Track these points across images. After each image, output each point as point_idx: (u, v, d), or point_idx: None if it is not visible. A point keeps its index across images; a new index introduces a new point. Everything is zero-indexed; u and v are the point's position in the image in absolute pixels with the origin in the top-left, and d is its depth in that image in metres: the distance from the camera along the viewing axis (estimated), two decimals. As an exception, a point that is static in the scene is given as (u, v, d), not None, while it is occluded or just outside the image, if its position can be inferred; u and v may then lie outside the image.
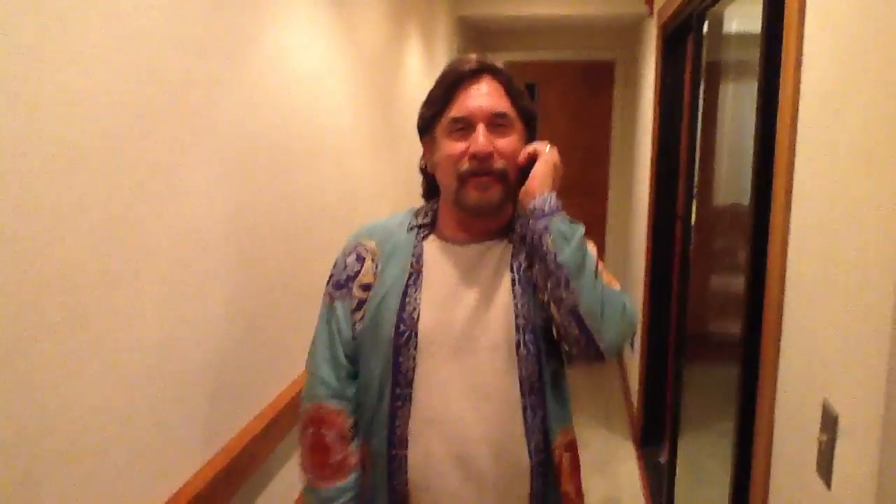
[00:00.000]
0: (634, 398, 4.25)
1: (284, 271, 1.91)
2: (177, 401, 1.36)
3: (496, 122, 1.32)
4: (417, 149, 1.47)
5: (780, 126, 1.47)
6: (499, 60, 1.39)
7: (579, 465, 1.43)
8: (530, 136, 1.40)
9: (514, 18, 5.19)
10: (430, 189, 1.47)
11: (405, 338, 1.32)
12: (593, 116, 6.32)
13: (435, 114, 1.38)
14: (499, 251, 1.38)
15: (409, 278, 1.36)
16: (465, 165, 1.31)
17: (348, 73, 2.47)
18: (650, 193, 3.92)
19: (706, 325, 3.04)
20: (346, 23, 2.43)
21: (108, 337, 1.12)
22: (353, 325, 1.40)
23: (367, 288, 1.40)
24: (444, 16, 4.56)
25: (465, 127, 1.33)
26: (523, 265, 1.36)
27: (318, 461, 1.40)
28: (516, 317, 1.32)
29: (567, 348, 1.30)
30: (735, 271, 2.94)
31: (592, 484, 3.68)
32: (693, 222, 3.03)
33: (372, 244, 1.43)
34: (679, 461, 3.03)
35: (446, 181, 1.37)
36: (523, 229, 1.33)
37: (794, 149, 1.40)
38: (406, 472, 1.32)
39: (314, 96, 2.10)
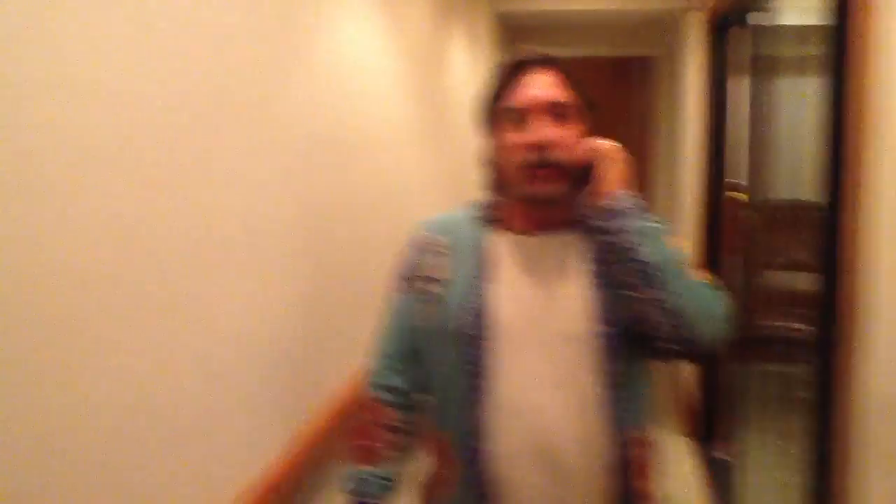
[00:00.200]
0: (687, 392, 4.20)
1: (344, 261, 1.93)
2: (261, 388, 1.41)
3: (554, 112, 1.31)
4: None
5: (853, 118, 1.43)
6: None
7: (654, 463, 1.41)
8: (594, 128, 1.37)
9: (551, 13, 5.16)
10: (495, 182, 1.45)
11: (477, 329, 1.32)
12: (631, 112, 6.26)
13: (493, 105, 1.38)
14: (568, 242, 1.37)
15: (478, 270, 1.36)
16: (523, 156, 1.30)
17: (396, 66, 2.48)
18: (697, 189, 3.87)
19: (758, 321, 3.00)
20: (394, 17, 2.43)
21: (198, 327, 1.15)
22: (421, 317, 1.41)
23: (434, 281, 1.40)
24: (484, 11, 4.56)
25: (522, 117, 1.32)
26: (598, 258, 1.34)
27: (358, 443, 1.47)
28: (594, 309, 1.31)
29: (662, 346, 1.28)
30: (792, 267, 2.91)
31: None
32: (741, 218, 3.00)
33: (438, 238, 1.43)
34: (741, 458, 2.99)
35: (506, 173, 1.36)
36: (599, 228, 1.31)
37: (869, 141, 1.37)
38: (486, 462, 1.32)
39: (366, 90, 2.11)
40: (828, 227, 1.58)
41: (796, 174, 2.84)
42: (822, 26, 1.70)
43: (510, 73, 1.35)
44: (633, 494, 1.35)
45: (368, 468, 1.45)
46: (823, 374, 1.63)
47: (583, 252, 1.36)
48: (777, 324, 2.99)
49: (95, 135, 0.92)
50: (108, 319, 0.95)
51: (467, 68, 3.89)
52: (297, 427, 1.59)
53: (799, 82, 2.89)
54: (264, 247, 1.41)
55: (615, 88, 6.33)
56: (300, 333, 1.60)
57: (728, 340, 1.29)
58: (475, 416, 1.32)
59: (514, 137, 1.32)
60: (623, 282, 1.27)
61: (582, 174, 1.32)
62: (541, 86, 1.32)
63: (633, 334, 1.30)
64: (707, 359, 1.28)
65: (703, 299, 1.25)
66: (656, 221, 1.28)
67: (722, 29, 3.46)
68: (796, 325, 2.53)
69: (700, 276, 1.28)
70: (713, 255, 3.68)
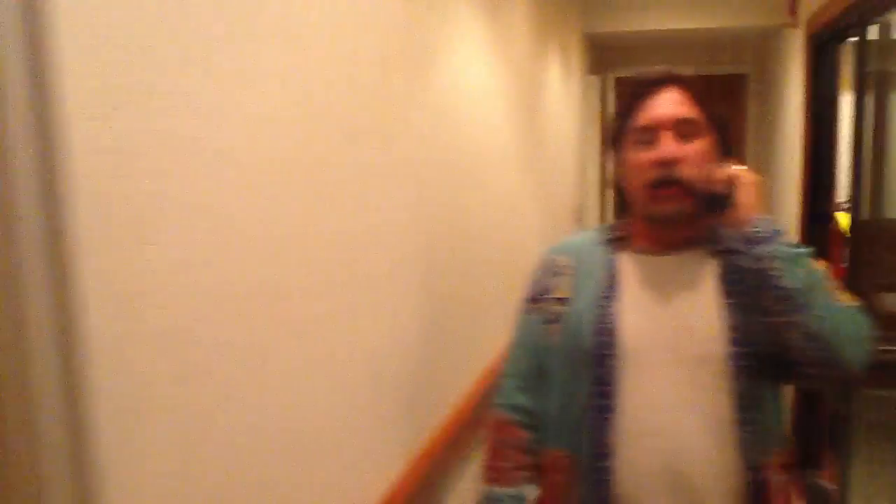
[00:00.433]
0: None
1: (460, 282, 1.97)
2: (388, 405, 1.45)
3: (681, 130, 1.30)
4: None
5: None
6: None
7: (791, 490, 1.38)
8: (723, 144, 1.36)
9: (639, 34, 5.14)
10: (623, 203, 1.46)
11: (605, 349, 1.32)
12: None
13: (621, 126, 1.38)
14: (698, 261, 1.36)
15: (605, 290, 1.36)
16: (652, 174, 1.30)
17: (502, 91, 2.52)
18: (800, 207, 3.79)
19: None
20: (501, 43, 2.48)
21: (332, 343, 1.19)
22: (547, 338, 1.42)
23: (561, 302, 1.41)
24: (575, 33, 4.58)
25: (649, 136, 1.32)
26: (733, 277, 1.32)
27: (491, 464, 1.48)
28: (729, 329, 1.29)
29: (805, 371, 1.26)
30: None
31: None
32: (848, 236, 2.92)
33: (565, 259, 1.45)
34: (845, 487, 2.89)
35: (634, 192, 1.36)
36: (742, 256, 1.27)
37: None
38: (613, 483, 1.31)
39: (476, 115, 2.16)
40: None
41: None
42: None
43: (636, 92, 1.36)
44: None
45: (503, 489, 1.45)
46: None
47: (711, 271, 1.34)
48: (890, 347, 2.89)
49: (259, 169, 0.99)
50: (267, 339, 1.00)
51: (561, 91, 3.92)
52: (418, 443, 1.63)
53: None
54: (392, 271, 1.47)
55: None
56: (422, 352, 1.64)
57: (869, 363, 1.25)
58: (602, 436, 1.31)
59: (640, 156, 1.32)
60: (767, 308, 1.25)
61: (710, 196, 1.30)
62: (667, 104, 1.32)
63: (769, 357, 1.28)
64: (847, 382, 1.25)
65: (847, 322, 1.22)
66: (798, 245, 1.26)
67: (824, 45, 3.40)
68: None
69: (843, 299, 1.25)
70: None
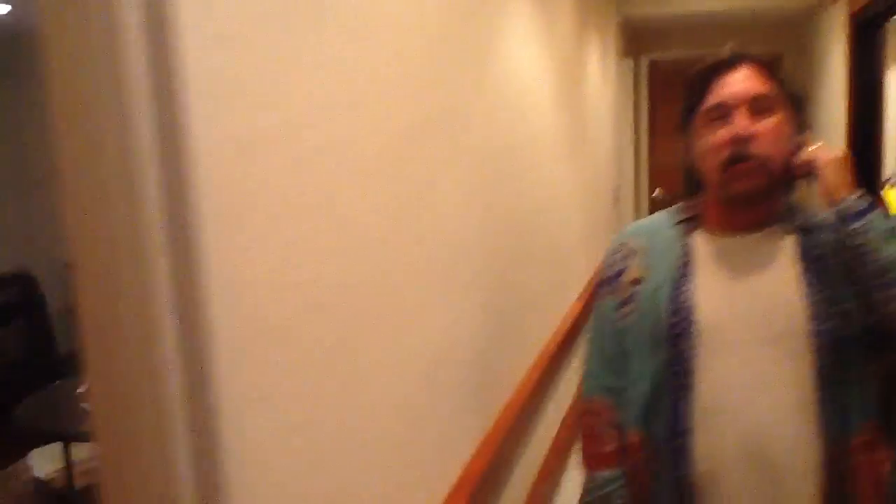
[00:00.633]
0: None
1: (516, 266, 1.99)
2: (458, 391, 1.48)
3: (756, 107, 1.30)
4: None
5: None
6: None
7: (882, 469, 1.33)
8: (799, 119, 1.35)
9: (675, 16, 5.11)
10: (693, 185, 1.46)
11: (681, 329, 1.32)
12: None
13: (693, 106, 1.37)
14: (775, 240, 1.35)
15: (680, 270, 1.37)
16: (726, 152, 1.29)
17: (550, 79, 2.53)
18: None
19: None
20: (547, 25, 2.49)
21: (411, 333, 1.23)
22: (625, 320, 1.43)
23: (636, 283, 1.42)
24: (611, 18, 4.57)
25: (723, 115, 1.31)
26: (813, 253, 1.32)
27: (592, 450, 1.47)
28: (809, 306, 1.28)
29: None
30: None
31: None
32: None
33: (639, 241, 1.46)
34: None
35: (709, 172, 1.35)
36: (839, 233, 1.27)
37: None
38: (692, 462, 1.31)
39: (529, 98, 2.18)
40: None
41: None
42: None
43: (708, 73, 1.36)
44: (853, 500, 1.30)
45: (605, 472, 1.44)
46: None
47: (788, 249, 1.34)
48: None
49: (350, 163, 1.03)
50: (354, 333, 1.04)
51: (598, 75, 3.92)
52: (486, 423, 1.66)
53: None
54: (460, 259, 1.49)
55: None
56: (485, 339, 1.66)
57: None
58: (679, 415, 1.31)
59: (714, 135, 1.32)
60: (865, 283, 1.25)
61: (787, 172, 1.31)
62: (739, 81, 1.32)
63: (854, 334, 1.28)
64: None
65: None
66: (891, 218, 1.25)
67: (868, 22, 3.37)
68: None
69: None
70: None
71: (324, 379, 0.94)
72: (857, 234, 1.22)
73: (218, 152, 0.73)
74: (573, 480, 2.73)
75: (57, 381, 3.20)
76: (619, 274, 1.46)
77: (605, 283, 1.49)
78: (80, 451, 2.94)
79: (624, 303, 1.43)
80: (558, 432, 2.43)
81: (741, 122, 1.29)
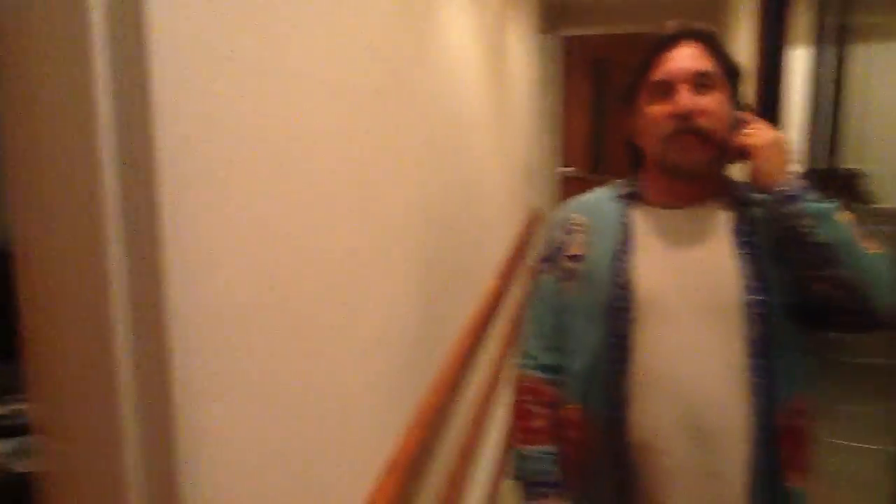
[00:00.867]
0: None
1: (448, 245, 1.97)
2: (397, 368, 1.46)
3: (699, 82, 1.32)
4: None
5: None
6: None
7: (807, 437, 1.38)
8: (738, 96, 1.38)
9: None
10: (635, 159, 1.48)
11: (621, 302, 1.34)
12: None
13: (637, 81, 1.39)
14: (713, 214, 1.38)
15: (620, 245, 1.38)
16: (669, 126, 1.31)
17: (477, 53, 2.50)
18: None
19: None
20: (476, 2, 2.45)
21: (354, 313, 1.18)
22: (566, 295, 1.43)
23: (576, 259, 1.42)
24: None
25: (667, 90, 1.33)
26: (746, 228, 1.35)
27: (523, 426, 1.48)
28: (743, 278, 1.31)
29: (834, 319, 1.29)
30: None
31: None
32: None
33: (579, 217, 1.46)
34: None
35: (651, 146, 1.37)
36: (775, 214, 1.29)
37: None
38: (630, 433, 1.33)
39: (461, 78, 2.15)
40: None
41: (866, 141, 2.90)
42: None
43: (654, 48, 1.36)
44: (783, 465, 1.33)
45: (537, 447, 1.45)
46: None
47: (726, 223, 1.36)
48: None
49: (305, 138, 0.97)
50: (311, 309, 1.00)
51: (518, 51, 3.91)
52: (417, 401, 1.64)
53: (874, 49, 2.95)
54: (399, 235, 1.46)
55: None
56: (420, 314, 1.64)
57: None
58: (621, 387, 1.33)
59: (658, 109, 1.33)
60: (800, 263, 1.27)
61: (726, 149, 1.32)
62: (683, 57, 1.33)
63: (788, 305, 1.31)
64: (874, 328, 1.28)
65: (875, 271, 1.24)
66: (826, 200, 1.27)
67: (778, 3, 3.46)
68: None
69: (870, 247, 1.27)
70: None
71: (281, 364, 0.90)
72: (790, 217, 1.25)
73: (176, 133, 0.67)
74: (490, 456, 2.76)
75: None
76: (561, 250, 1.46)
77: (546, 259, 1.49)
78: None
79: (565, 278, 1.44)
80: (479, 406, 2.43)
81: (684, 98, 1.30)
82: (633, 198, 1.44)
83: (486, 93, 2.73)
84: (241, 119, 0.79)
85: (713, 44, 1.36)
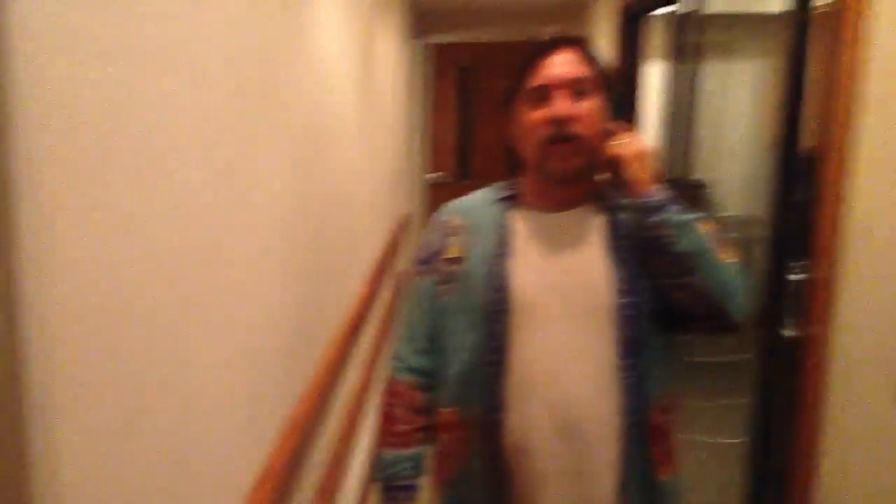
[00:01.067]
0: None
1: (321, 249, 1.94)
2: (269, 375, 1.41)
3: (575, 89, 1.35)
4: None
5: (837, 95, 1.58)
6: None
7: (672, 431, 1.44)
8: (611, 103, 1.41)
9: (456, 1, 5.21)
10: (513, 163, 1.50)
11: (498, 305, 1.35)
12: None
13: (515, 86, 1.41)
14: (586, 218, 1.42)
15: (498, 248, 1.39)
16: (546, 132, 1.34)
17: (349, 56, 2.47)
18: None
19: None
20: (348, 5, 2.42)
21: (210, 317, 1.12)
22: (443, 298, 1.44)
23: (454, 262, 1.43)
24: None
25: (544, 96, 1.35)
26: (617, 232, 1.39)
27: (387, 428, 1.49)
28: (614, 282, 1.35)
29: (693, 324, 1.35)
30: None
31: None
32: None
33: (458, 220, 1.47)
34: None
35: (528, 150, 1.40)
36: (639, 224, 1.34)
37: (855, 107, 1.53)
38: (504, 435, 1.35)
39: (333, 80, 2.11)
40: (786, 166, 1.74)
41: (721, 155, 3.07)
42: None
43: (532, 54, 1.39)
44: (652, 461, 1.39)
45: (399, 451, 1.46)
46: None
47: (599, 227, 1.40)
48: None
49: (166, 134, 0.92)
50: (185, 310, 0.96)
51: (388, 54, 3.90)
52: (289, 411, 1.60)
53: (729, 66, 3.13)
54: (274, 238, 1.42)
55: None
56: (293, 320, 1.60)
57: (749, 314, 1.35)
58: (495, 390, 1.35)
59: (535, 115, 1.36)
60: (661, 271, 1.33)
61: (600, 156, 1.36)
62: (560, 64, 1.36)
63: (660, 310, 1.36)
64: (730, 333, 1.36)
65: (731, 280, 1.30)
66: (688, 211, 1.32)
67: (635, 16, 3.64)
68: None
69: (727, 256, 1.33)
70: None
71: (145, 371, 0.85)
72: (655, 227, 1.29)
73: (36, 118, 0.62)
74: (361, 461, 2.74)
75: None
76: (439, 252, 1.46)
77: (423, 262, 1.49)
78: None
79: (443, 281, 1.44)
80: (351, 412, 2.40)
81: (561, 104, 1.33)
82: (511, 201, 1.46)
83: (356, 97, 2.71)
84: (97, 106, 0.73)
85: (588, 52, 1.40)
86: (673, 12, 2.99)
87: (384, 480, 1.47)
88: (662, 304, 1.35)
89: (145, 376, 0.84)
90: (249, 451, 1.30)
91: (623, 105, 2.90)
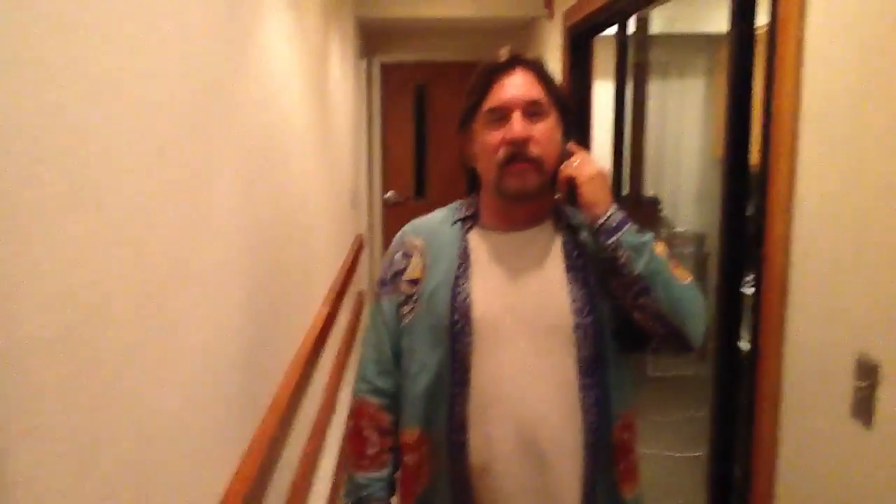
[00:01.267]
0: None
1: (276, 271, 1.92)
2: (223, 397, 1.38)
3: (531, 111, 1.36)
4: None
5: (778, 112, 1.63)
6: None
7: (634, 447, 1.46)
8: (565, 124, 1.43)
9: (407, 20, 5.25)
10: (472, 183, 1.50)
11: (460, 325, 1.35)
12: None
13: (472, 107, 1.41)
14: (545, 237, 1.43)
15: (458, 269, 1.40)
16: (503, 153, 1.35)
17: (300, 75, 2.47)
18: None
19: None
20: (298, 25, 2.42)
21: (167, 341, 1.09)
22: (404, 319, 1.44)
23: (415, 283, 1.43)
24: (348, 19, 4.57)
25: (501, 116, 1.36)
26: (574, 252, 1.40)
27: (357, 451, 1.47)
28: (572, 301, 1.36)
29: (651, 343, 1.36)
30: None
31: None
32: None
33: (418, 241, 1.47)
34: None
35: (486, 171, 1.41)
36: (597, 246, 1.35)
37: (796, 124, 1.58)
38: (467, 455, 1.34)
39: (284, 99, 2.10)
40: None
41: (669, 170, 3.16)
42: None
43: (488, 75, 1.40)
44: (615, 478, 1.39)
45: (369, 474, 1.45)
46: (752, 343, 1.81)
47: (556, 246, 1.41)
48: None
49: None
50: (141, 335, 0.94)
51: (340, 75, 3.90)
52: (251, 431, 1.59)
53: (675, 86, 3.23)
54: (222, 258, 1.39)
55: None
56: (248, 341, 1.58)
57: (706, 333, 1.37)
58: (457, 410, 1.35)
59: (492, 136, 1.36)
60: (616, 292, 1.34)
61: (555, 176, 1.37)
62: (516, 85, 1.37)
63: (620, 328, 1.37)
64: (687, 352, 1.38)
65: (687, 301, 1.31)
66: (643, 232, 1.34)
67: (580, 37, 3.70)
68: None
69: (681, 276, 1.34)
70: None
71: (98, 395, 0.83)
72: (609, 249, 1.31)
73: None
74: (324, 481, 2.70)
75: None
76: (400, 273, 1.46)
77: (385, 283, 1.49)
78: None
79: (404, 302, 1.44)
80: (312, 433, 2.37)
81: (518, 125, 1.34)
82: (470, 221, 1.46)
83: (310, 117, 2.70)
84: (40, 129, 0.72)
85: (544, 73, 1.41)
86: (621, 33, 3.05)
87: (357, 503, 1.45)
88: (622, 323, 1.37)
89: (103, 404, 0.82)
90: (211, 476, 1.28)
91: (575, 125, 2.95)
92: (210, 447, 1.28)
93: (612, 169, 3.36)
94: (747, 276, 1.92)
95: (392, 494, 1.48)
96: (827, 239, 1.49)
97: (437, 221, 1.50)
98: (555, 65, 4.31)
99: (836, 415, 1.43)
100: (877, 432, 1.31)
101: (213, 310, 1.30)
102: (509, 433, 1.33)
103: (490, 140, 1.37)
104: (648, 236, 1.34)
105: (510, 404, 1.34)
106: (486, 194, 1.46)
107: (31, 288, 0.68)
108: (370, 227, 6.09)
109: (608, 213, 1.32)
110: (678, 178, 4.61)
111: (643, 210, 3.79)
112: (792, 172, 1.59)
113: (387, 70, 6.18)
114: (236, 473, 1.41)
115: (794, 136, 1.58)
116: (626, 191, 3.24)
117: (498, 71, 1.39)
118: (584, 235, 1.41)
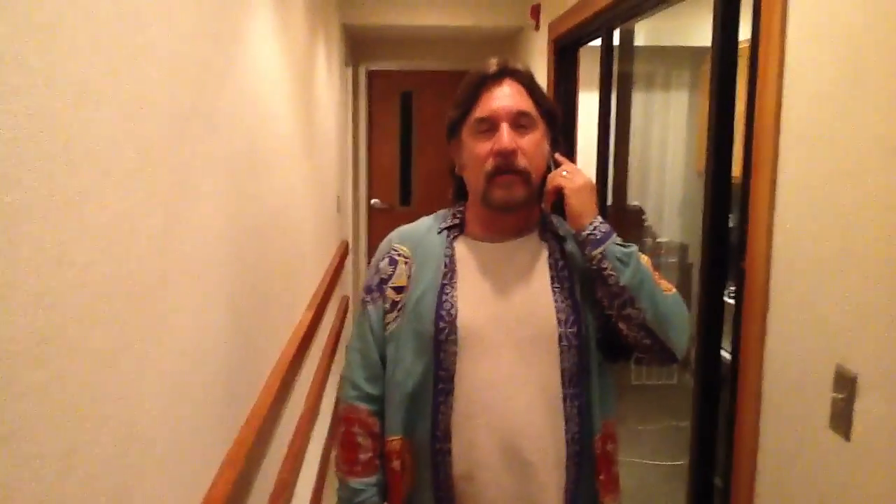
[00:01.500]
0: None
1: (259, 276, 1.91)
2: (204, 403, 1.37)
3: (519, 122, 1.36)
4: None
5: (760, 126, 1.65)
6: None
7: (616, 457, 1.47)
8: (553, 135, 1.44)
9: (393, 28, 5.26)
10: (459, 191, 1.51)
11: (445, 334, 1.36)
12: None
13: (460, 116, 1.42)
14: (530, 247, 1.44)
15: (444, 277, 1.40)
16: (491, 164, 1.35)
17: (285, 81, 2.47)
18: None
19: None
20: (284, 32, 2.42)
21: (148, 347, 1.08)
22: (389, 326, 1.44)
23: (400, 290, 1.44)
24: (335, 25, 4.58)
25: (489, 127, 1.36)
26: (560, 262, 1.41)
27: (349, 458, 1.46)
28: (557, 311, 1.37)
29: (639, 355, 1.38)
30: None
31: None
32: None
33: (404, 248, 1.47)
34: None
35: (473, 181, 1.41)
36: (583, 258, 1.37)
37: (777, 137, 1.60)
38: (451, 464, 1.35)
39: (269, 105, 2.10)
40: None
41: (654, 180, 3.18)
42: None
43: (476, 85, 1.40)
44: (597, 488, 1.41)
45: (361, 480, 1.44)
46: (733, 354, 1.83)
47: (542, 257, 1.42)
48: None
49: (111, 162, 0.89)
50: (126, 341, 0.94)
51: (326, 82, 3.90)
52: (234, 432, 1.58)
53: (657, 97, 3.25)
54: (206, 263, 1.39)
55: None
56: (231, 344, 1.57)
57: (690, 343, 1.39)
58: (441, 418, 1.35)
59: (480, 146, 1.37)
60: (601, 303, 1.35)
61: (542, 186, 1.39)
62: (505, 96, 1.37)
63: (597, 337, 1.38)
64: (671, 362, 1.40)
65: (671, 312, 1.33)
66: (627, 244, 1.35)
67: (566, 47, 3.73)
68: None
69: (665, 287, 1.36)
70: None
71: (76, 405, 0.82)
72: (596, 259, 1.32)
73: None
74: (306, 488, 2.69)
75: None
76: (386, 281, 1.46)
77: (371, 290, 1.49)
78: None
79: (390, 309, 1.44)
80: (292, 441, 2.36)
81: (506, 137, 1.34)
82: (456, 230, 1.47)
83: (296, 124, 2.70)
84: (25, 133, 0.71)
85: (533, 84, 1.42)
86: (606, 44, 3.07)
87: None
88: (607, 333, 1.38)
89: (82, 408, 0.82)
90: (192, 481, 1.27)
91: (563, 135, 2.97)
92: (191, 451, 1.27)
93: (596, 178, 3.37)
94: (729, 286, 1.94)
95: (385, 500, 1.48)
96: (807, 251, 1.50)
97: (424, 229, 1.50)
98: (540, 75, 4.33)
99: (816, 426, 1.45)
100: (854, 444, 1.33)
101: (196, 314, 1.29)
102: (493, 442, 1.34)
103: (478, 150, 1.37)
104: (633, 248, 1.35)
105: (494, 413, 1.34)
106: (473, 203, 1.46)
107: (14, 291, 0.68)
108: (355, 233, 6.08)
109: (593, 225, 1.34)
110: (662, 189, 4.65)
111: (628, 219, 3.82)
112: (773, 185, 1.60)
113: (373, 77, 6.19)
114: (217, 477, 1.40)
115: (775, 149, 1.60)
116: (610, 200, 3.25)
117: (487, 81, 1.39)
118: (570, 246, 1.42)
